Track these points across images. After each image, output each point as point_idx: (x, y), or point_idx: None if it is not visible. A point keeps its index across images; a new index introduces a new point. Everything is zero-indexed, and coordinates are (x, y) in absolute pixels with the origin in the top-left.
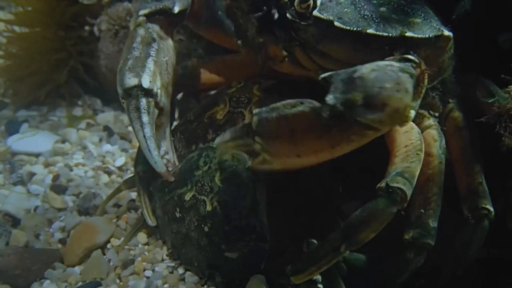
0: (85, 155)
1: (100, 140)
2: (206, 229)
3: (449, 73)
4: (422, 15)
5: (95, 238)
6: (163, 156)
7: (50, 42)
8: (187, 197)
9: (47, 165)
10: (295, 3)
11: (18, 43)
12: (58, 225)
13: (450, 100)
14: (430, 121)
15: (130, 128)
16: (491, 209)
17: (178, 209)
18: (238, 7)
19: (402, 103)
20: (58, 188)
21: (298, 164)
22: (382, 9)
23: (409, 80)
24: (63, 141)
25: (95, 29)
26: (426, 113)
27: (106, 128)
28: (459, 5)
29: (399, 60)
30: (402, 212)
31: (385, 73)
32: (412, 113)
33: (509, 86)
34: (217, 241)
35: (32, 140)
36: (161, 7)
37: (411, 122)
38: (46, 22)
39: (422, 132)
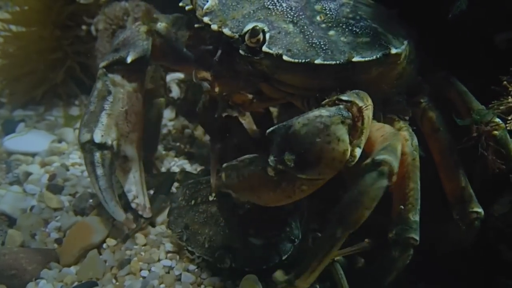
0: (81, 155)
1: None
2: (240, 212)
3: (413, 77)
4: (371, 32)
5: (91, 238)
6: (133, 200)
7: (47, 42)
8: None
9: (43, 164)
10: (246, 39)
11: (15, 43)
12: (54, 225)
13: (421, 101)
14: (400, 124)
15: None
16: (480, 210)
17: (213, 194)
18: (195, 47)
19: (336, 152)
20: (54, 187)
21: (276, 205)
22: (331, 32)
23: (339, 128)
24: (60, 141)
25: (92, 28)
26: (395, 117)
27: None
28: (455, 5)
29: (333, 103)
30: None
31: (314, 126)
32: (357, 151)
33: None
34: (247, 224)
35: (29, 140)
36: (117, 58)
37: (380, 123)
38: (43, 21)
39: None
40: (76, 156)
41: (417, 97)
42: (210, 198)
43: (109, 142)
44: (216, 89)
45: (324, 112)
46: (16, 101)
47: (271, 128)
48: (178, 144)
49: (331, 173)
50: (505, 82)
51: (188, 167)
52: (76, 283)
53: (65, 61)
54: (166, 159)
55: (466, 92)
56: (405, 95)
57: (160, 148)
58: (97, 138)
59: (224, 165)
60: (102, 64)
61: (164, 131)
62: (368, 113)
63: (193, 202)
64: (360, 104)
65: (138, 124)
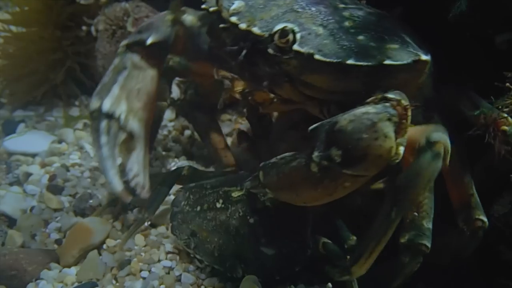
0: (81, 155)
1: None
2: (251, 220)
3: (429, 91)
4: (399, 40)
5: (91, 239)
6: (133, 179)
7: (47, 42)
8: (235, 194)
9: (43, 165)
10: (275, 38)
11: (15, 43)
12: (54, 225)
13: (434, 115)
14: None
15: None
16: (485, 220)
17: (221, 201)
18: (220, 47)
19: (382, 149)
20: (55, 188)
21: (310, 205)
22: (360, 37)
23: (387, 124)
24: (60, 141)
25: (92, 29)
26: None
27: None
28: (455, 5)
29: (379, 101)
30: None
31: (361, 122)
32: (401, 149)
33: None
34: (259, 233)
35: (29, 140)
36: (138, 39)
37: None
38: (43, 22)
39: None
40: (76, 157)
41: (430, 111)
42: (218, 205)
43: (117, 113)
44: (237, 89)
45: (370, 109)
46: (16, 102)
47: (314, 125)
48: (178, 144)
49: (376, 170)
50: (507, 84)
51: None
52: (76, 284)
53: (65, 62)
54: (166, 160)
55: (479, 99)
56: (420, 109)
57: (159, 149)
58: (106, 107)
59: (262, 164)
60: (124, 42)
61: (164, 131)
62: (410, 113)
63: (198, 208)
64: (405, 103)
65: (149, 105)
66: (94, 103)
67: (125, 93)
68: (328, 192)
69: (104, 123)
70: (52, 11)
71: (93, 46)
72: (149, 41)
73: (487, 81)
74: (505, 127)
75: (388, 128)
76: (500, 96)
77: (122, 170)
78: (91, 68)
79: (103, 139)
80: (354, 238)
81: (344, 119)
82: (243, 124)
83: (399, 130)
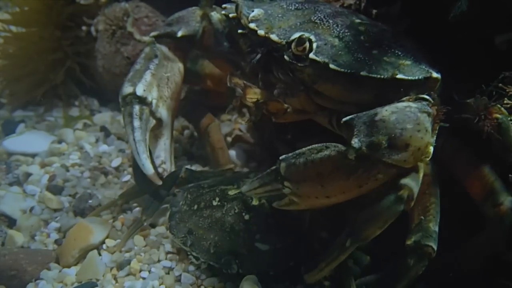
0: (81, 155)
1: (97, 140)
2: (246, 217)
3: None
4: (412, 57)
5: (90, 239)
6: (160, 165)
7: (47, 42)
8: (231, 192)
9: (43, 165)
10: (292, 46)
11: (15, 43)
12: (54, 225)
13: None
14: None
15: None
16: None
17: (217, 199)
18: (237, 52)
19: (423, 142)
20: (54, 188)
21: (325, 204)
22: (374, 51)
23: (428, 119)
24: (60, 142)
25: (92, 29)
26: None
27: (103, 129)
28: (455, 5)
29: (415, 100)
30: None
31: (405, 114)
32: (431, 149)
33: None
34: (254, 230)
35: (29, 140)
36: (168, 31)
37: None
38: (43, 22)
39: None
40: (76, 157)
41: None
42: (214, 203)
43: (149, 99)
44: (248, 97)
45: (412, 103)
46: (16, 102)
47: (348, 117)
48: (178, 145)
49: (412, 163)
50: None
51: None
52: (75, 284)
53: (65, 62)
54: None
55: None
56: None
57: None
58: (139, 91)
59: (282, 156)
60: (153, 34)
61: None
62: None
63: (195, 206)
64: (438, 104)
65: (176, 94)
66: (126, 88)
67: (156, 80)
68: (359, 183)
69: (137, 108)
70: (52, 11)
71: (93, 46)
72: (180, 33)
73: (487, 81)
74: (498, 115)
75: (429, 123)
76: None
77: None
78: (91, 68)
79: (136, 122)
80: (368, 258)
81: (386, 110)
82: (243, 124)
83: (433, 129)
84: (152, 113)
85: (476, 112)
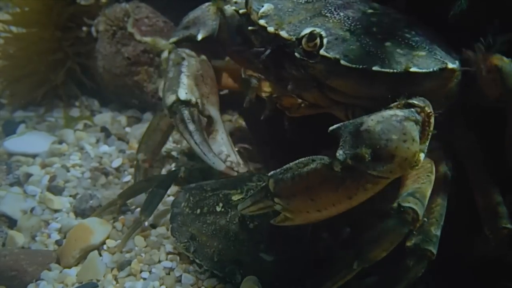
0: (82, 156)
1: (97, 141)
2: (251, 226)
3: (456, 99)
4: (427, 47)
5: (91, 239)
6: (226, 159)
7: (48, 43)
8: (235, 198)
9: (44, 166)
10: (303, 42)
11: (15, 44)
12: (54, 226)
13: (460, 124)
14: (438, 143)
15: (127, 129)
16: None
17: (221, 204)
18: (248, 48)
19: (410, 152)
20: (55, 189)
21: (319, 217)
22: (387, 44)
23: (414, 128)
24: (60, 142)
25: (93, 29)
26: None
27: (103, 129)
28: (455, 4)
29: (404, 106)
30: (414, 232)
31: (390, 124)
32: (422, 156)
33: None
34: (258, 239)
35: (29, 141)
36: (187, 35)
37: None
38: (43, 22)
39: (430, 152)
40: (76, 158)
41: (457, 119)
42: (218, 209)
43: (194, 100)
44: (265, 90)
45: (398, 112)
46: (17, 102)
47: (335, 126)
48: (178, 145)
49: (399, 173)
50: None
51: None
52: (76, 285)
53: (66, 62)
54: (167, 160)
55: None
56: (446, 117)
57: None
58: (182, 96)
59: (270, 173)
60: (172, 39)
61: None
62: (433, 120)
63: (198, 211)
64: (429, 109)
65: (214, 88)
66: (169, 98)
67: (193, 81)
68: (348, 195)
69: (186, 112)
70: (52, 12)
71: (94, 47)
72: (200, 36)
73: None
74: (497, 62)
75: (416, 132)
76: None
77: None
78: (91, 69)
79: (191, 126)
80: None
81: (371, 119)
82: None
83: (422, 136)
84: (201, 113)
85: (477, 65)
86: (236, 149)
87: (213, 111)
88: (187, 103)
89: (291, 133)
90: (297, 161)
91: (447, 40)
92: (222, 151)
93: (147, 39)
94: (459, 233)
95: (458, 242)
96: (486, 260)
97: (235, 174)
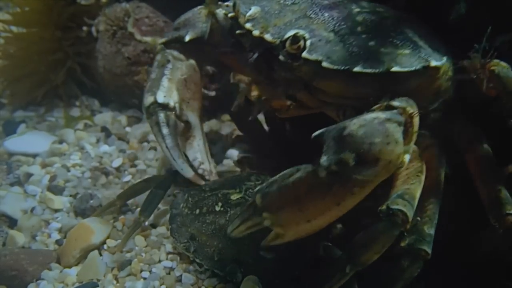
0: (82, 155)
1: (98, 140)
2: None
3: (450, 94)
4: (411, 45)
5: (91, 239)
6: (199, 167)
7: (48, 43)
8: (234, 197)
9: (44, 165)
10: (287, 45)
11: (16, 43)
12: (54, 226)
13: (457, 118)
14: (432, 140)
15: (127, 129)
16: None
17: (220, 204)
18: (238, 50)
19: (394, 154)
20: (55, 188)
21: (309, 230)
22: (371, 43)
23: (397, 130)
24: (61, 142)
25: (93, 29)
26: (428, 133)
27: (104, 129)
28: (454, 9)
29: (386, 108)
30: (405, 234)
31: (373, 127)
32: (406, 157)
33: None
34: (258, 237)
35: (29, 141)
36: (176, 36)
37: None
38: (43, 22)
39: (423, 151)
40: (77, 157)
41: (454, 114)
42: (217, 208)
43: (172, 104)
44: (254, 93)
45: (380, 114)
46: (17, 102)
47: (318, 131)
48: None
49: (385, 176)
50: None
51: None
52: (76, 284)
53: (66, 62)
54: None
55: None
56: (441, 112)
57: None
58: (160, 99)
59: (257, 189)
60: (161, 41)
61: None
62: (417, 120)
63: (197, 211)
64: (411, 110)
65: (197, 94)
66: (148, 99)
67: (174, 84)
68: (336, 201)
69: (162, 115)
70: (52, 12)
71: (94, 47)
72: (188, 38)
73: None
74: (494, 67)
75: (399, 133)
76: None
77: (187, 160)
78: (91, 68)
79: (165, 130)
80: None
81: (354, 124)
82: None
83: (405, 137)
84: (178, 117)
85: (473, 72)
86: (238, 158)
87: (192, 117)
88: (164, 106)
89: (291, 134)
90: (281, 173)
91: (440, 36)
92: (196, 158)
93: (148, 39)
94: (464, 231)
95: (463, 241)
96: (497, 255)
97: (203, 182)
